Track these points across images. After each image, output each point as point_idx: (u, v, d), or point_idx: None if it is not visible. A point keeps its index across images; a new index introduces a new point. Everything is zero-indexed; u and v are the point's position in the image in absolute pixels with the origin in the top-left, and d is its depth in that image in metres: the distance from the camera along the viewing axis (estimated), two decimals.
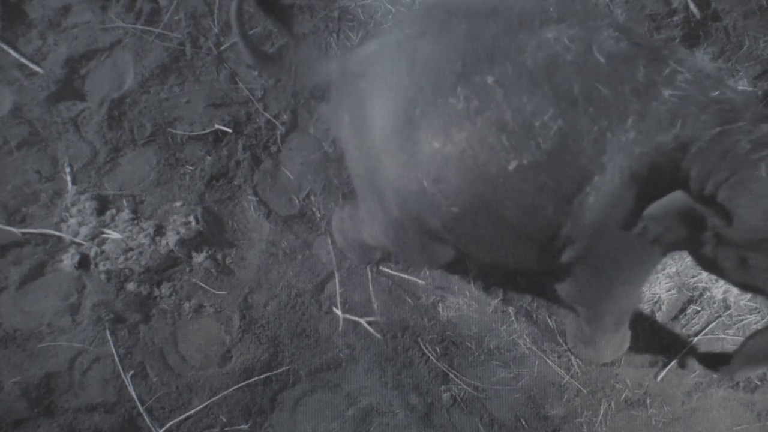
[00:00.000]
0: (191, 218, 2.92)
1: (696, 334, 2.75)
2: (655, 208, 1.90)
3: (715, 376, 2.68)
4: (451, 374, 2.71)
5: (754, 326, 2.77)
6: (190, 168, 3.05)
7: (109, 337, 2.71)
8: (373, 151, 2.13)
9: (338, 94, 2.26)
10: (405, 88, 2.03)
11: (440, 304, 2.84)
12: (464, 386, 2.69)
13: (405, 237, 2.34)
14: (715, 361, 2.70)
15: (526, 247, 2.17)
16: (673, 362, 2.70)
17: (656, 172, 1.93)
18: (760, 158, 1.85)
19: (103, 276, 2.80)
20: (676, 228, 1.92)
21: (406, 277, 2.88)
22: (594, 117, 1.91)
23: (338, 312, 2.80)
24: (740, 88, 1.96)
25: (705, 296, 2.81)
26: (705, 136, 1.89)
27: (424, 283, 2.87)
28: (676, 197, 1.88)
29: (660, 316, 2.79)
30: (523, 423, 2.64)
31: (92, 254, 2.84)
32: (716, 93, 1.93)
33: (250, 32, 3.31)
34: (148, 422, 2.60)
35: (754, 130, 1.88)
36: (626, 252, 2.12)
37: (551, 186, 1.98)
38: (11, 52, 3.20)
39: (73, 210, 2.93)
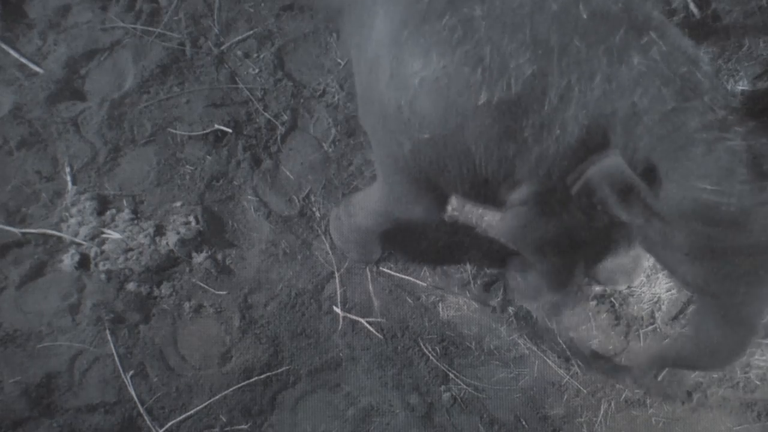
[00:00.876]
0: (191, 218, 2.92)
1: None
2: (593, 168, 1.93)
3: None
4: (451, 374, 2.71)
5: None
6: (190, 168, 3.05)
7: (109, 337, 2.71)
8: (366, 68, 2.20)
9: (348, 14, 2.33)
10: (400, 10, 2.09)
11: (440, 304, 2.84)
12: (464, 386, 2.69)
13: (398, 185, 2.39)
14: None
15: (486, 184, 2.22)
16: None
17: (610, 136, 1.97)
18: (702, 138, 1.86)
19: (103, 276, 2.80)
20: (606, 192, 1.95)
21: (406, 277, 2.88)
22: (565, 70, 1.95)
23: (338, 312, 2.80)
24: (705, 68, 1.99)
25: None
26: (660, 110, 1.91)
27: (424, 283, 2.87)
28: (612, 161, 1.91)
29: (660, 316, 2.79)
30: (523, 423, 2.64)
31: (92, 254, 2.84)
32: (684, 70, 1.95)
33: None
34: (148, 422, 2.60)
35: (708, 113, 1.90)
36: (568, 207, 2.15)
37: (514, 128, 2.03)
38: (11, 52, 3.20)
39: (73, 210, 2.93)
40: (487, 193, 2.27)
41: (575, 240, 2.30)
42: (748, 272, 1.92)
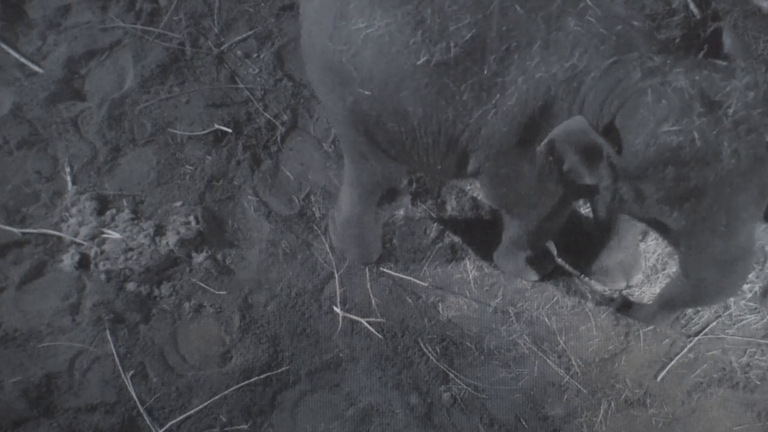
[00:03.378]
0: (191, 218, 2.92)
1: (696, 334, 2.75)
2: (556, 130, 1.97)
3: (715, 375, 2.69)
4: (451, 374, 2.71)
5: (754, 326, 2.77)
6: (190, 168, 3.05)
7: (109, 337, 2.71)
8: (311, 19, 2.23)
9: None
10: None
11: (440, 304, 2.84)
12: (464, 386, 2.69)
13: (348, 138, 2.42)
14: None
15: (428, 148, 2.26)
16: (673, 362, 2.70)
17: (553, 99, 2.02)
18: (648, 85, 1.90)
19: (103, 276, 2.80)
20: (572, 154, 1.99)
21: (406, 277, 2.88)
22: (504, 36, 2.00)
23: (338, 312, 2.80)
24: (639, 24, 2.04)
25: None
26: (600, 67, 1.97)
27: (424, 283, 2.87)
28: (575, 121, 1.94)
29: None
30: (523, 423, 2.64)
31: (92, 254, 2.84)
32: (619, 28, 2.00)
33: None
34: (148, 422, 2.60)
35: (647, 60, 1.94)
36: (522, 171, 2.20)
37: (453, 91, 2.07)
38: (11, 52, 3.21)
39: (73, 210, 2.93)
40: (433, 162, 2.31)
41: (538, 198, 2.34)
42: (726, 203, 1.94)
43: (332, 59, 2.16)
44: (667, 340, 2.75)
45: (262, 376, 2.69)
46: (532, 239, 2.65)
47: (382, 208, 2.82)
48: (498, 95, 2.05)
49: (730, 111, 1.84)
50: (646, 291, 2.83)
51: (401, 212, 2.96)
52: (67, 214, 2.93)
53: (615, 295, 2.81)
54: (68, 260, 2.83)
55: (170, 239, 2.86)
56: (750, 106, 1.84)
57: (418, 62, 2.05)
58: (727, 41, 2.01)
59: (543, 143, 2.00)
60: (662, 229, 2.15)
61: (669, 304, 2.51)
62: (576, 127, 1.95)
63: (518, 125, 2.08)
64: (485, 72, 2.03)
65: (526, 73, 2.00)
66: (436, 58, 2.03)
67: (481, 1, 2.01)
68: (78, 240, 2.87)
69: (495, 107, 2.06)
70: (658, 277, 2.84)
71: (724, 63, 1.93)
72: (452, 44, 2.02)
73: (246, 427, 2.62)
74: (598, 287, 2.85)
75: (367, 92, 2.16)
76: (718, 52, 2.01)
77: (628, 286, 2.83)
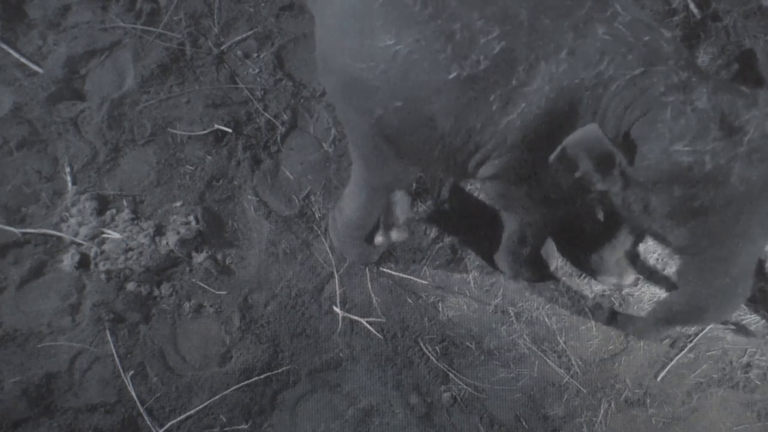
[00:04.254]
0: (191, 218, 2.92)
1: (696, 334, 2.75)
2: (570, 138, 1.97)
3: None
4: (451, 374, 2.71)
5: (754, 326, 2.77)
6: (190, 168, 3.05)
7: (109, 337, 2.71)
8: (331, 35, 2.21)
9: None
10: None
11: (440, 304, 2.84)
12: (464, 386, 2.69)
13: (365, 147, 2.42)
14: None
15: (454, 154, 2.26)
16: (673, 362, 2.71)
17: (578, 106, 2.01)
18: (670, 101, 1.91)
19: (103, 276, 2.80)
20: (585, 161, 1.99)
21: (406, 277, 2.88)
22: (533, 46, 1.99)
23: (338, 311, 2.80)
24: (668, 35, 2.05)
25: None
26: (626, 76, 1.96)
27: (424, 282, 2.87)
28: (589, 130, 1.95)
29: None
30: (523, 423, 2.64)
31: (92, 254, 2.84)
32: (648, 38, 2.00)
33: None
34: (148, 422, 2.60)
35: (673, 75, 1.95)
36: (539, 176, 2.20)
37: (482, 101, 2.07)
38: (11, 52, 3.21)
39: (73, 210, 2.93)
40: (455, 165, 2.31)
41: (549, 204, 2.35)
42: (731, 226, 1.96)
43: (358, 77, 2.15)
44: (667, 340, 2.75)
45: (262, 376, 2.69)
46: (532, 239, 2.65)
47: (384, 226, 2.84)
48: (524, 104, 2.04)
49: (746, 138, 1.85)
50: (646, 291, 2.83)
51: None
52: (67, 214, 2.93)
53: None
54: (68, 260, 2.83)
55: (170, 239, 2.86)
56: (766, 135, 1.85)
57: (449, 77, 2.05)
58: (760, 64, 2.02)
59: (557, 150, 2.00)
60: (666, 243, 2.15)
61: (664, 320, 2.51)
62: (590, 135, 1.94)
63: (544, 132, 2.07)
64: (513, 83, 2.02)
65: (553, 81, 2.00)
66: (466, 72, 2.03)
67: (509, 12, 2.00)
68: (78, 240, 2.87)
69: (521, 115, 2.06)
70: (658, 277, 2.85)
71: (748, 89, 1.93)
72: (482, 57, 2.01)
73: (246, 427, 2.62)
74: (599, 287, 2.85)
75: (398, 103, 2.15)
76: (749, 74, 2.02)
77: (622, 286, 2.83)
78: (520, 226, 2.60)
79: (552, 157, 2.02)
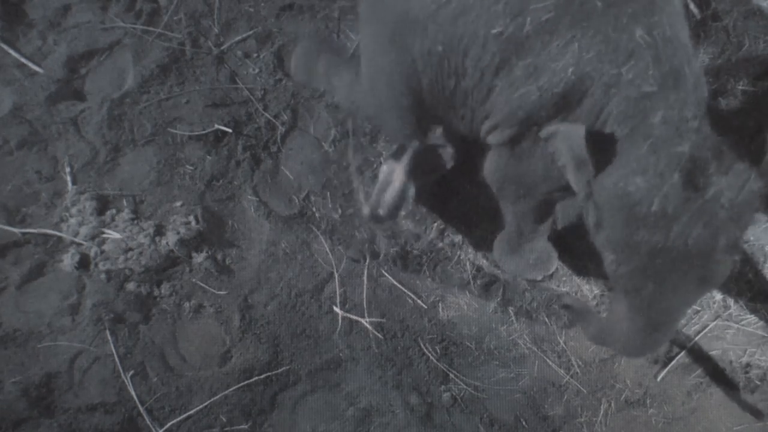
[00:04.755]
0: (191, 218, 2.92)
1: (696, 334, 2.75)
2: (561, 126, 2.00)
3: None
4: (451, 374, 2.71)
5: (753, 326, 2.77)
6: (190, 168, 3.05)
7: (109, 337, 2.72)
8: None
9: None
10: None
11: (440, 304, 2.84)
12: (464, 386, 2.69)
13: (405, 96, 2.41)
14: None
15: (473, 111, 2.28)
16: (673, 362, 2.70)
17: (589, 96, 2.01)
18: (656, 134, 1.92)
19: (103, 276, 2.80)
20: (566, 155, 2.01)
21: (406, 277, 2.88)
22: (574, 23, 1.98)
23: (338, 311, 2.80)
24: (696, 66, 2.05)
25: (705, 296, 2.80)
26: (641, 89, 1.96)
27: (424, 283, 2.87)
28: (576, 129, 1.96)
29: None
30: (523, 423, 2.64)
31: (92, 254, 2.84)
32: (676, 61, 1.98)
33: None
34: (148, 422, 2.60)
35: (675, 110, 1.94)
36: (535, 152, 2.21)
37: (512, 65, 2.08)
38: (11, 52, 3.20)
39: (73, 210, 2.93)
40: (471, 122, 2.33)
41: (544, 186, 2.34)
42: (661, 274, 1.97)
43: (410, 13, 2.16)
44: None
45: (262, 376, 2.69)
46: (529, 232, 2.64)
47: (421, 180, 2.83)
48: (545, 78, 2.04)
49: (702, 199, 1.87)
50: None
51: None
52: (67, 214, 2.93)
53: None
54: (68, 260, 2.83)
55: (170, 239, 2.86)
56: (721, 206, 1.87)
57: (493, 31, 2.05)
58: None
59: (548, 131, 2.03)
60: (604, 263, 2.16)
61: (591, 336, 2.51)
62: (575, 135, 1.95)
63: (554, 111, 2.07)
64: (545, 55, 2.02)
65: (579, 64, 1.99)
66: (509, 30, 2.03)
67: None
68: (78, 240, 2.87)
69: (540, 89, 2.06)
70: None
71: (730, 159, 1.92)
72: (529, 21, 2.01)
73: (246, 427, 2.62)
74: (598, 288, 2.85)
75: (439, 48, 2.16)
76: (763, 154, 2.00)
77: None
78: (514, 216, 2.59)
79: (543, 133, 2.05)
